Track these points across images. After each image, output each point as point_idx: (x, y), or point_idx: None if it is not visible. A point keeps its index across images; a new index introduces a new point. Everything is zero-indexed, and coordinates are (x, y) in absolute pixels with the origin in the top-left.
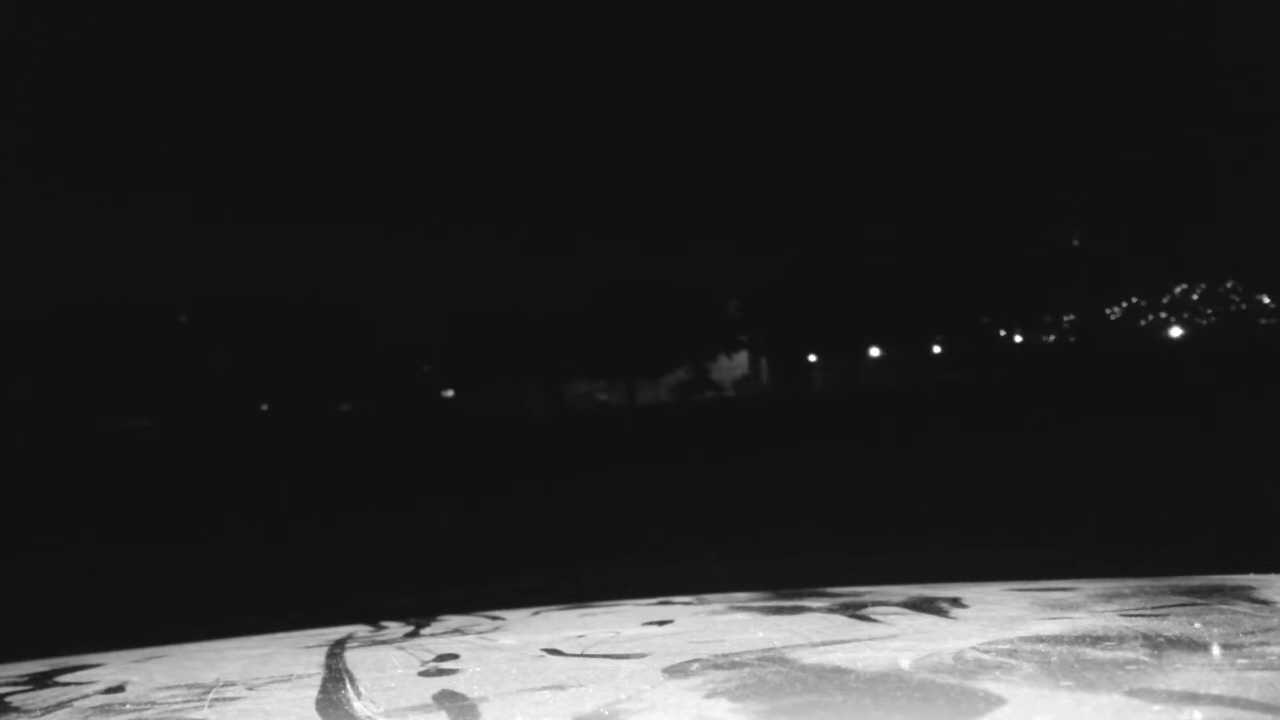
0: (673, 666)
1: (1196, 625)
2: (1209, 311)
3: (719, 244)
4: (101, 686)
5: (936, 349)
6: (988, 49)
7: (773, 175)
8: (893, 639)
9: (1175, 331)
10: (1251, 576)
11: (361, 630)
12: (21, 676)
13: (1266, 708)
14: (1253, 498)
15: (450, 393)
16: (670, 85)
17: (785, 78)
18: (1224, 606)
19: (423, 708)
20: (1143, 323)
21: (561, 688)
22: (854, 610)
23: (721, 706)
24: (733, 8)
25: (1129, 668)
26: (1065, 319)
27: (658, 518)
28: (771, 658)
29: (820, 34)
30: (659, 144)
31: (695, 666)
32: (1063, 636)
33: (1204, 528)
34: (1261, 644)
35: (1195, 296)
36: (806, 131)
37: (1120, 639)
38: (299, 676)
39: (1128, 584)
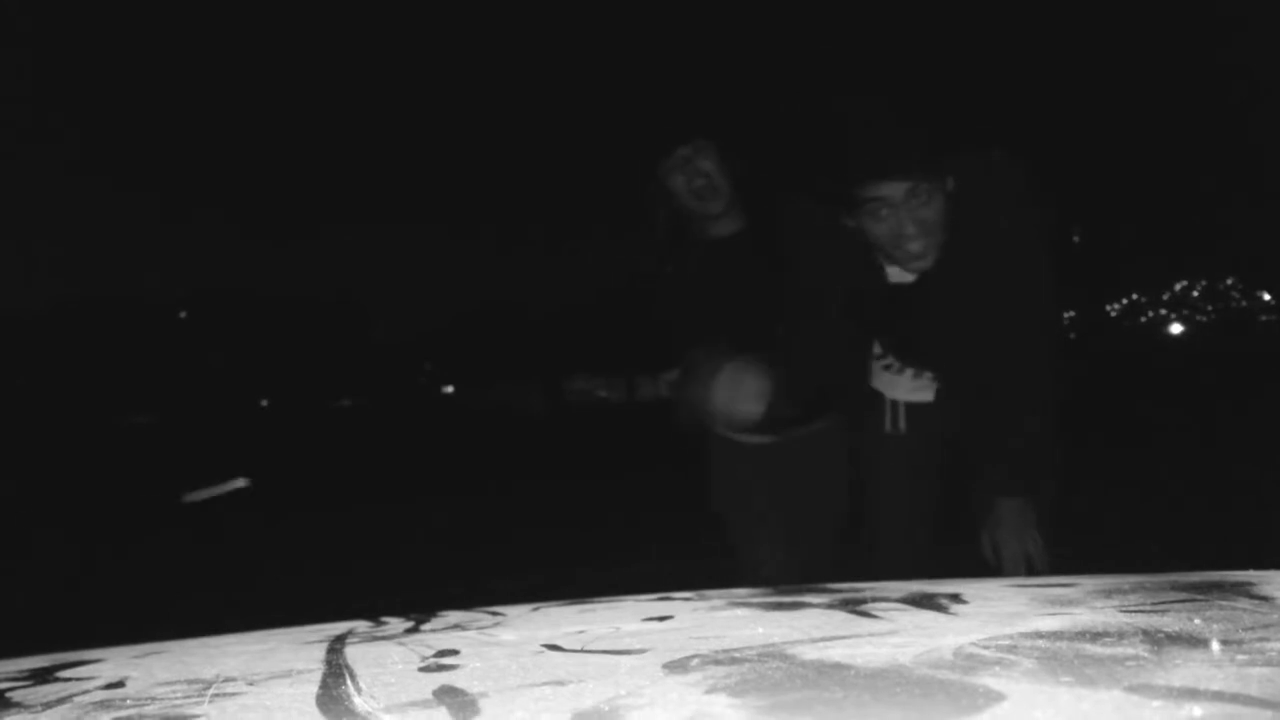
0: (672, 662)
1: (1196, 621)
2: (1209, 308)
3: None
4: (102, 682)
5: None
6: (989, 42)
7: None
8: (893, 635)
9: (1175, 329)
10: (1251, 572)
11: (362, 626)
12: (22, 672)
13: (1265, 703)
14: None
15: (450, 389)
16: (670, 85)
17: (783, 78)
18: (1224, 602)
19: (423, 703)
20: (1143, 319)
21: (561, 683)
22: (854, 606)
23: (721, 702)
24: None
25: (1129, 663)
26: (1067, 316)
27: (658, 515)
28: (771, 653)
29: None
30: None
31: (695, 662)
32: (1062, 632)
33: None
34: (1261, 640)
35: (1195, 293)
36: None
37: (1120, 635)
38: (299, 672)
39: (1127, 580)
